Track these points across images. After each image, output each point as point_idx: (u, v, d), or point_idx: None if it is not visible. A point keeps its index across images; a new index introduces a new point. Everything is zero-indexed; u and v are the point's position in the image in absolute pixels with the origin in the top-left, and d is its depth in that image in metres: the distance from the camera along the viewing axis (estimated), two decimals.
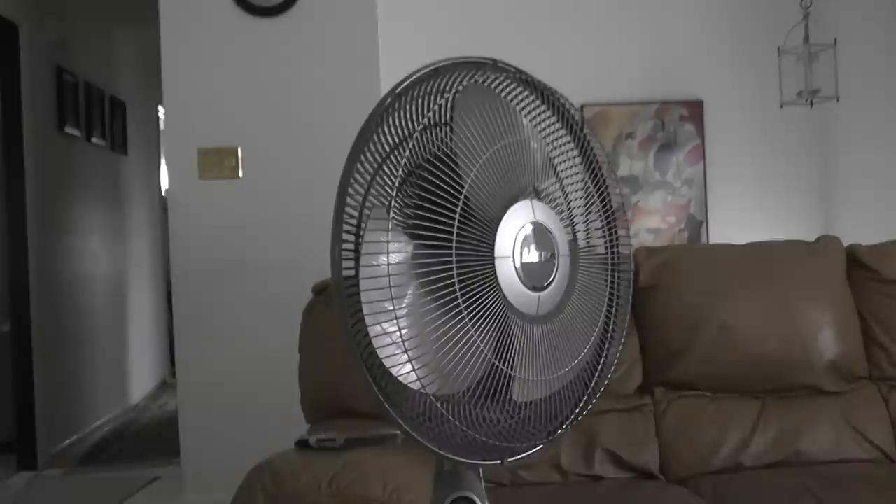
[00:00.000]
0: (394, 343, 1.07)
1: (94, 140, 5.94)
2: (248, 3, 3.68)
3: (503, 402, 1.15)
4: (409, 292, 1.09)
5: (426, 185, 1.11)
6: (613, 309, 1.28)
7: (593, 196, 1.28)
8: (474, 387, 1.13)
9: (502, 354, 1.12)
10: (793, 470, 2.39)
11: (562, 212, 1.23)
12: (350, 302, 1.08)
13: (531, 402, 1.18)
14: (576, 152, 1.26)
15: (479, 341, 1.10)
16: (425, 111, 1.13)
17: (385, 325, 1.07)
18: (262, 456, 2.02)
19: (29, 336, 4.95)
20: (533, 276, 1.13)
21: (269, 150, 3.69)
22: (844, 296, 2.59)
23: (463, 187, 1.10)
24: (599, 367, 1.28)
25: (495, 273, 1.10)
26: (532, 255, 1.13)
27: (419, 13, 4.14)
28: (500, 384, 1.13)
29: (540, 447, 1.22)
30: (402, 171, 1.11)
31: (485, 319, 1.10)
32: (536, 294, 1.14)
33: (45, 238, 5.12)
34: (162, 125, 7.59)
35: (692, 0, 4.23)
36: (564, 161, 1.25)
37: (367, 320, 1.07)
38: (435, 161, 1.12)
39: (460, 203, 1.09)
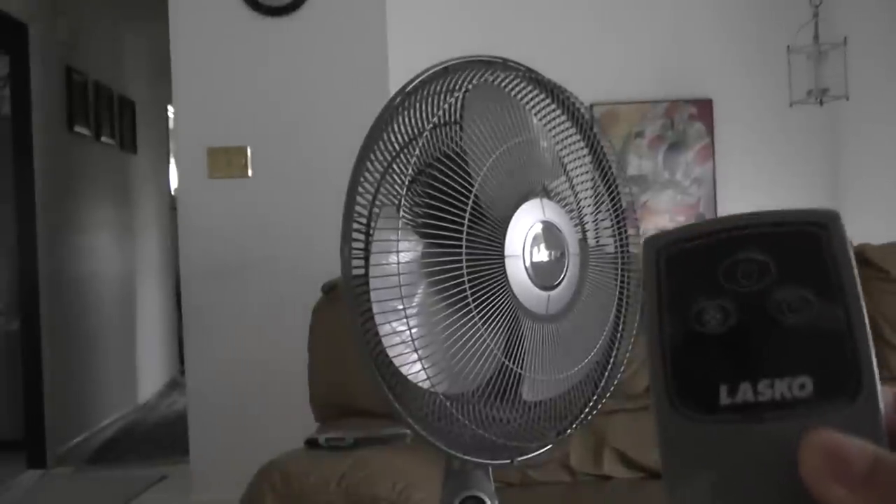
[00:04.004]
0: (403, 342, 1.06)
1: (103, 139, 5.95)
2: (257, 3, 3.68)
3: (513, 401, 1.14)
4: (419, 291, 1.09)
5: (436, 184, 1.11)
6: (623, 308, 1.28)
7: (603, 195, 1.27)
8: (484, 386, 1.13)
9: (512, 353, 1.12)
10: None
11: (571, 210, 1.23)
12: (360, 301, 1.08)
13: (541, 402, 1.18)
14: (585, 151, 1.26)
15: (488, 340, 1.10)
16: (435, 110, 1.13)
17: (395, 325, 1.07)
18: (271, 455, 2.03)
19: (38, 334, 4.96)
20: (543, 275, 1.13)
21: (278, 149, 3.70)
22: None
23: (473, 186, 1.10)
24: (609, 367, 1.27)
25: (505, 272, 1.10)
26: (542, 254, 1.13)
27: (428, 12, 4.14)
28: (510, 383, 1.13)
29: (550, 446, 1.22)
30: (412, 169, 1.11)
31: (495, 318, 1.10)
32: (546, 293, 1.14)
33: (54, 237, 5.13)
34: (171, 124, 7.60)
35: None
36: (574, 160, 1.25)
37: (377, 319, 1.07)
38: (445, 160, 1.12)
39: (470, 202, 1.09)
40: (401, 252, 1.07)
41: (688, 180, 4.16)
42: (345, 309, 1.10)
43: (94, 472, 5.05)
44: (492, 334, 1.10)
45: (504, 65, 1.20)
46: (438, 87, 1.14)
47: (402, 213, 1.11)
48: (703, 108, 4.17)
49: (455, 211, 1.09)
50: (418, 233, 1.11)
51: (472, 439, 1.13)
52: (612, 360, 1.28)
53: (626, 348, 1.29)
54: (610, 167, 1.27)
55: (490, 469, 1.22)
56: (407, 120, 1.13)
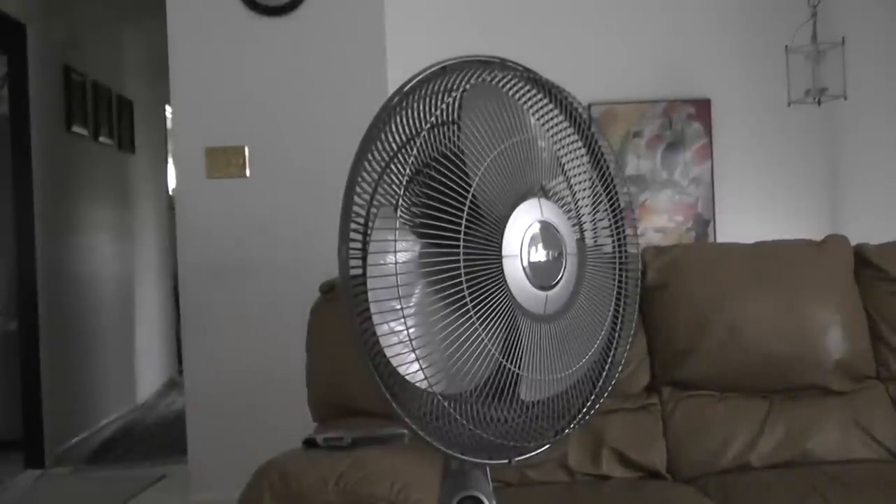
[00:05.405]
0: (401, 342, 1.06)
1: (101, 139, 5.95)
2: (255, 2, 3.67)
3: (511, 401, 1.14)
4: (417, 291, 1.09)
5: (434, 184, 1.11)
6: (621, 308, 1.28)
7: (601, 195, 1.27)
8: (482, 386, 1.13)
9: (510, 353, 1.12)
10: (800, 470, 2.38)
11: (569, 210, 1.23)
12: (357, 301, 1.08)
13: (539, 401, 1.18)
14: (583, 151, 1.26)
15: (486, 340, 1.10)
16: (433, 110, 1.13)
17: (392, 324, 1.06)
18: (269, 455, 2.02)
19: (36, 335, 4.96)
20: (540, 275, 1.13)
21: (276, 149, 3.70)
22: (852, 295, 2.58)
23: (470, 186, 1.10)
24: (607, 367, 1.27)
25: (503, 272, 1.10)
26: (540, 254, 1.13)
27: (426, 12, 4.14)
28: (508, 383, 1.13)
29: (547, 446, 1.22)
30: (410, 169, 1.11)
31: (492, 318, 1.10)
32: (544, 293, 1.14)
33: (52, 237, 5.13)
34: (169, 124, 7.60)
35: None
36: (572, 159, 1.25)
37: (375, 319, 1.07)
38: (442, 160, 1.12)
39: (468, 202, 1.09)
40: (398, 252, 1.07)
41: (686, 180, 4.16)
42: (343, 309, 1.10)
43: (93, 471, 5.04)
44: (489, 334, 1.10)
45: (502, 64, 1.19)
46: (436, 87, 1.14)
47: (399, 212, 1.10)
48: (702, 108, 4.17)
49: (452, 211, 1.09)
50: (416, 233, 1.11)
51: (470, 439, 1.13)
52: (610, 360, 1.28)
53: (624, 347, 1.29)
54: (608, 167, 1.27)
55: (488, 469, 1.22)
56: (404, 119, 1.13)
